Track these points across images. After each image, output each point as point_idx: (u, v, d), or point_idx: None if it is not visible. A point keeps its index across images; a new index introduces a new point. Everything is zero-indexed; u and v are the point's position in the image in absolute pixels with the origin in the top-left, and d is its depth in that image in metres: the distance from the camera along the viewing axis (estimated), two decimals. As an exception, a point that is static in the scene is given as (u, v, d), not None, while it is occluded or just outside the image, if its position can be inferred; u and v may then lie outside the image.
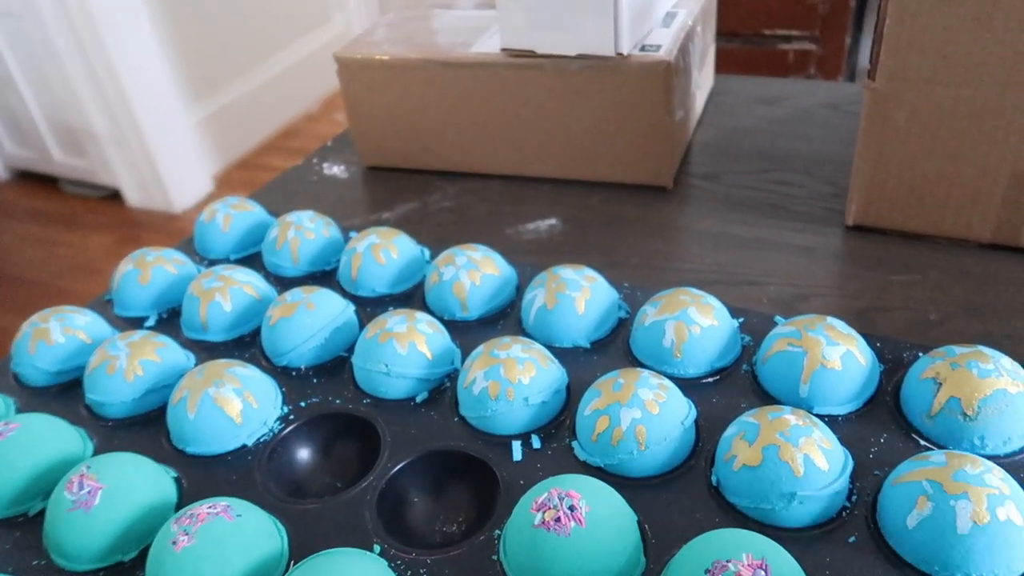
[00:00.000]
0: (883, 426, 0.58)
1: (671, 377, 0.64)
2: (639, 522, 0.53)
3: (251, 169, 3.49)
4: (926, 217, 0.82)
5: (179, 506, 0.58)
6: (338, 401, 0.66)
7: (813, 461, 0.50)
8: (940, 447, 0.55)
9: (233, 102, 3.49)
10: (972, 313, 0.74)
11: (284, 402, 0.66)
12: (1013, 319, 0.72)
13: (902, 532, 0.49)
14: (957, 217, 0.81)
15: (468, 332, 0.71)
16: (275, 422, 0.64)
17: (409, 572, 0.52)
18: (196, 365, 0.70)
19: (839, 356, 0.58)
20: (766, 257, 0.85)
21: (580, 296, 0.68)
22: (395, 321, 0.66)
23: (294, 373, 0.69)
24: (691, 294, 0.65)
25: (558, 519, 0.48)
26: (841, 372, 0.58)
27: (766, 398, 0.61)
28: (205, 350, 0.73)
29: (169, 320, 0.78)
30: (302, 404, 0.66)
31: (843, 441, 0.56)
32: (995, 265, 0.79)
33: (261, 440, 0.62)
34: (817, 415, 0.59)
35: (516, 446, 0.59)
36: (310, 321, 0.68)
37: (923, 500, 0.48)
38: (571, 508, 0.49)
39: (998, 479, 0.47)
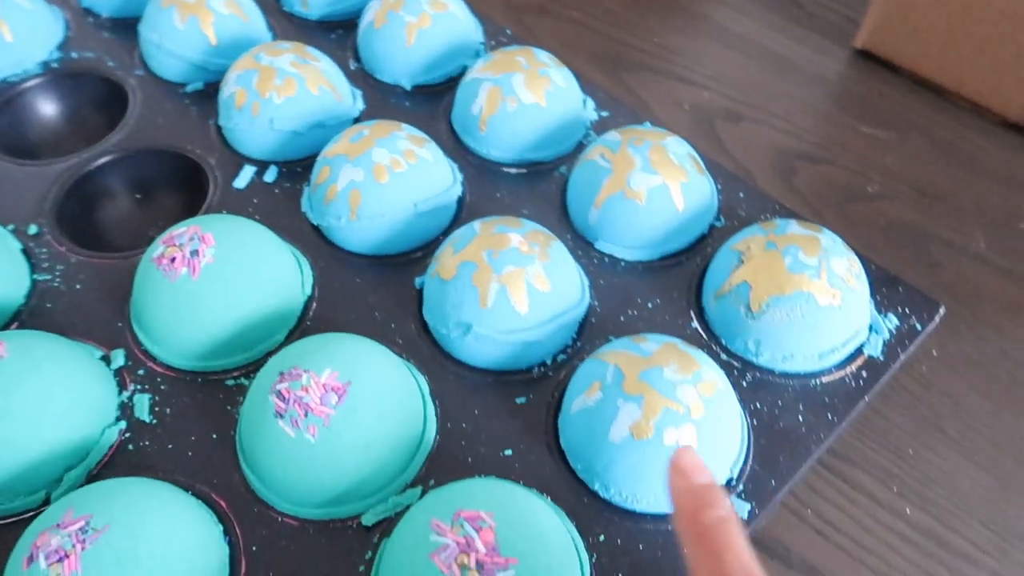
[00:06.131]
0: (666, 289, 0.45)
1: (474, 153, 0.51)
2: (309, 299, 0.44)
3: None
4: (951, 65, 0.61)
5: None
6: (111, 64, 0.56)
7: (509, 297, 0.39)
8: (714, 337, 0.43)
9: None
10: (922, 200, 0.56)
11: (60, 47, 0.57)
12: (968, 224, 0.55)
13: (566, 414, 0.38)
14: (986, 76, 0.59)
15: (298, 31, 0.59)
16: (36, 65, 0.56)
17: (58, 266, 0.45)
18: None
19: (647, 188, 0.44)
20: (728, 56, 0.66)
21: (415, 23, 0.53)
22: (191, -11, 0.54)
23: (90, 19, 0.59)
24: (532, 58, 0.50)
25: (173, 259, 0.40)
26: (642, 208, 0.44)
27: (564, 214, 0.49)
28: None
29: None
30: (73, 55, 0.57)
31: (602, 291, 0.44)
32: (996, 151, 0.59)
33: (8, 79, 0.55)
34: (600, 251, 0.46)
35: (247, 170, 0.50)
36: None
37: (596, 387, 0.36)
38: (194, 253, 0.40)
39: (696, 396, 0.35)
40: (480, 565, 0.30)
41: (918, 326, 0.43)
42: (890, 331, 0.43)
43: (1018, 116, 0.59)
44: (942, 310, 0.44)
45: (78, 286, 0.45)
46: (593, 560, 0.35)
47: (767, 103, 0.63)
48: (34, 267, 0.45)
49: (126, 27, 0.58)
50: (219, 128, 0.52)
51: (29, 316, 0.43)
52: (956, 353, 0.48)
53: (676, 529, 0.26)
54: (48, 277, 0.45)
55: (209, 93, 0.54)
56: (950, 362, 0.48)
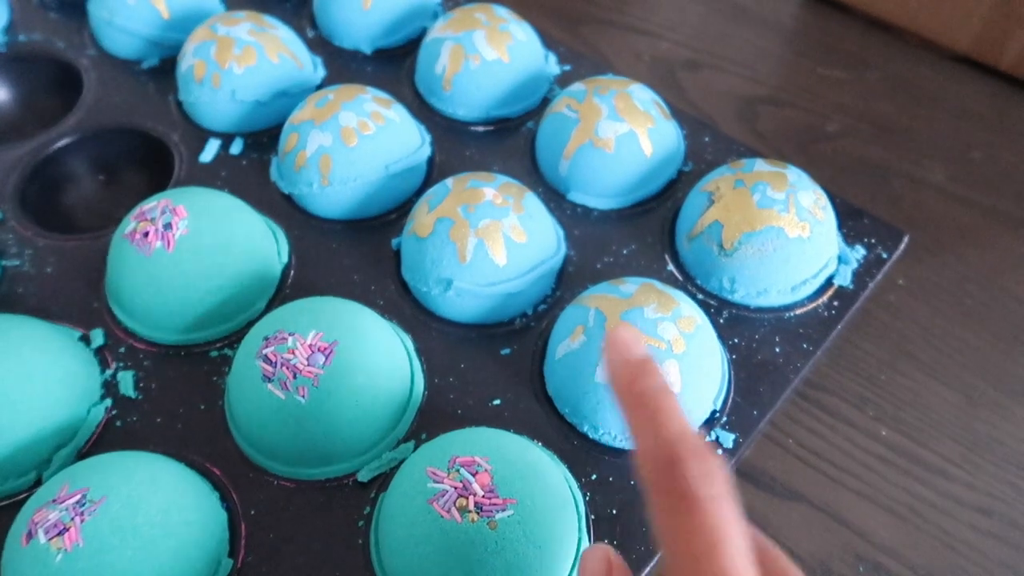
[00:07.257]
0: (639, 235, 0.45)
1: (440, 114, 0.51)
2: (286, 267, 0.44)
3: None
4: (900, 3, 0.62)
5: None
6: (61, 45, 0.55)
7: (488, 251, 0.40)
8: (689, 278, 0.44)
9: None
10: (880, 136, 0.57)
11: (5, 30, 0.56)
12: (925, 156, 0.56)
13: (551, 361, 0.39)
14: (936, 11, 0.61)
15: (251, 1, 0.58)
16: (-18, 49, 0.55)
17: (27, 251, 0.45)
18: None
19: (615, 136, 0.45)
20: (684, 6, 0.67)
21: (371, -15, 0.53)
22: (136, -39, 0.53)
23: (35, 0, 0.58)
24: (491, 14, 0.50)
25: (146, 234, 0.39)
26: (612, 156, 0.45)
27: (534, 168, 0.49)
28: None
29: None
30: (20, 38, 0.55)
31: (577, 241, 0.45)
32: (948, 85, 0.60)
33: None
34: (572, 202, 0.47)
35: (212, 144, 0.49)
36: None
37: (579, 331, 0.37)
38: (167, 226, 0.40)
39: (676, 332, 0.36)
40: (479, 507, 0.31)
41: (884, 255, 0.44)
42: (858, 261, 0.44)
43: (967, 49, 0.61)
44: (906, 238, 0.45)
45: (49, 269, 0.44)
46: (587, 498, 0.36)
47: (725, 50, 0.63)
48: (2, 253, 0.44)
49: (73, 6, 0.57)
50: (180, 103, 0.51)
51: (1, 302, 0.43)
52: (921, 281, 0.50)
53: (615, 399, 0.26)
54: (17, 263, 0.44)
55: (166, 69, 0.53)
56: (916, 290, 0.49)
